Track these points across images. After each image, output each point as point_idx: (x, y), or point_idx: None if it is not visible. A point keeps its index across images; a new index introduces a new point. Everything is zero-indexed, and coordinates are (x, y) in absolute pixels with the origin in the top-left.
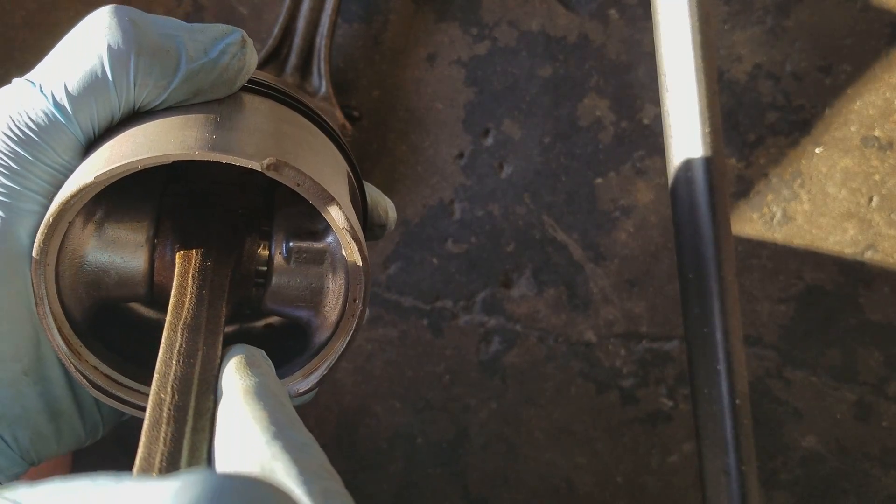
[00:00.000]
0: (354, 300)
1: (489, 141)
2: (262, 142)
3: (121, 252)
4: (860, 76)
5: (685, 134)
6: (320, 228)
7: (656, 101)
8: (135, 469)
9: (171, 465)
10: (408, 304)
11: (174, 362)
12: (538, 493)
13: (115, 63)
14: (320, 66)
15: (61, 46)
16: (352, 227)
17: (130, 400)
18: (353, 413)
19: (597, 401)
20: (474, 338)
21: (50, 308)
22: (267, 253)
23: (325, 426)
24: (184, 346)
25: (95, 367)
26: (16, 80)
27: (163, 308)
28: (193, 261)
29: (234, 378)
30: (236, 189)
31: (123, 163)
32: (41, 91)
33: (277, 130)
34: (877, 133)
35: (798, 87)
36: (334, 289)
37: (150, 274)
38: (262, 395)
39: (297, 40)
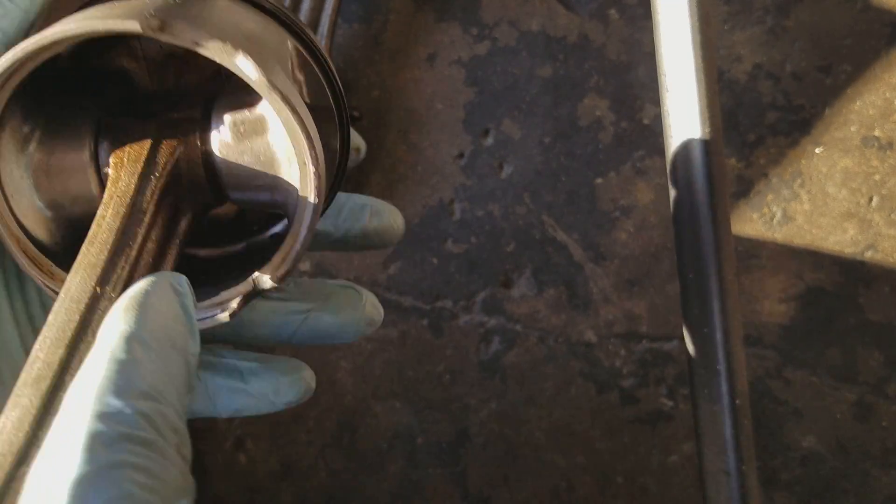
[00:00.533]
0: (304, 163)
1: (489, 141)
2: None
3: (66, 177)
4: (860, 76)
5: (685, 134)
6: (255, 98)
7: (656, 101)
8: None
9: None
10: (408, 303)
11: (62, 310)
12: (538, 492)
13: None
14: None
15: None
16: (269, 80)
17: None
18: (353, 413)
19: (597, 401)
20: (474, 338)
21: (9, 230)
22: (207, 146)
23: (326, 426)
24: (73, 290)
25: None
26: None
27: None
28: (119, 183)
29: (106, 327)
30: (176, 98)
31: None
32: None
33: (234, 23)
34: (877, 133)
35: (798, 87)
36: (285, 158)
37: (103, 192)
38: (120, 349)
39: None
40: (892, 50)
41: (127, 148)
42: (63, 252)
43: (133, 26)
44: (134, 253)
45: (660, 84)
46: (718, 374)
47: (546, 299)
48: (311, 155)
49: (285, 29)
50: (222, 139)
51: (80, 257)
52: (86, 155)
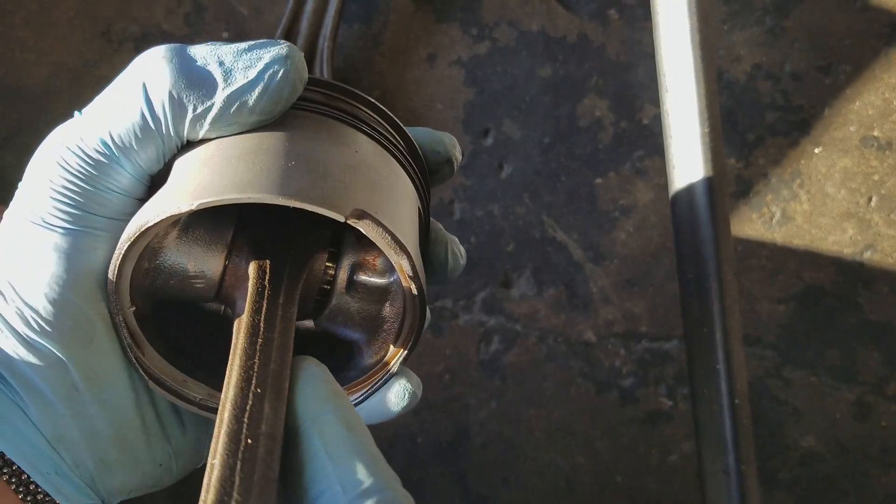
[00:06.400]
0: (407, 338)
1: (489, 141)
2: (339, 187)
3: (198, 256)
4: (859, 76)
5: (685, 134)
6: (387, 267)
7: (656, 101)
8: None
9: None
10: None
11: (230, 418)
12: (538, 492)
13: (154, 106)
14: (323, 67)
15: (109, 90)
16: (417, 276)
17: (191, 395)
18: None
19: (596, 400)
20: (474, 337)
21: (123, 317)
22: (332, 274)
23: None
24: (233, 398)
25: (158, 366)
26: (71, 123)
27: (226, 302)
28: (267, 272)
29: (320, 412)
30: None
31: (192, 205)
32: (89, 138)
33: (347, 165)
34: (876, 133)
35: (797, 88)
36: (390, 319)
37: (222, 279)
38: (343, 427)
39: (301, 42)
40: (891, 50)
41: (265, 264)
42: (146, 322)
43: (338, 217)
44: (268, 354)
45: (659, 84)
46: (718, 374)
47: (546, 299)
48: (414, 338)
49: (402, 167)
50: (343, 288)
51: (232, 367)
52: (222, 243)
